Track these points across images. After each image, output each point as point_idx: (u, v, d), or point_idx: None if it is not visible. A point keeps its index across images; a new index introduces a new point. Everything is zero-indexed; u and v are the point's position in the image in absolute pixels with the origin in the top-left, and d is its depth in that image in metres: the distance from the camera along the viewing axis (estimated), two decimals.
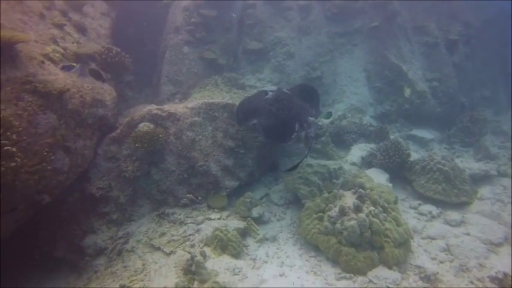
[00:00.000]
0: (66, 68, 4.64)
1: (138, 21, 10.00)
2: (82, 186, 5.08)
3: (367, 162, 6.68)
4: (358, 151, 7.15)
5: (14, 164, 3.36)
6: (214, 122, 5.45)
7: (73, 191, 5.03)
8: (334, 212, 4.46)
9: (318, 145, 7.20)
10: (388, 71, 9.01)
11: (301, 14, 8.96)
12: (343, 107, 8.75)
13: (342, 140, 7.50)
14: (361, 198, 4.47)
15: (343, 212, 4.35)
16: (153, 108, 5.27)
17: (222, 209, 5.29)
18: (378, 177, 5.96)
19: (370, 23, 9.37)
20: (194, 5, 8.30)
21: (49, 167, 4.19)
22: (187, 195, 5.22)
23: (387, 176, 6.07)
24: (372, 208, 4.36)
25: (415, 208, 5.54)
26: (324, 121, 7.89)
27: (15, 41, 3.85)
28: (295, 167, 4.73)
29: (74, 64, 4.70)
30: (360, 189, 4.56)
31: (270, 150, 6.17)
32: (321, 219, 4.58)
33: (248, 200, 5.15)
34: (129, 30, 10.09)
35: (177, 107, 5.28)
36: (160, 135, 4.96)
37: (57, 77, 4.55)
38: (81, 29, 5.98)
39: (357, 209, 4.31)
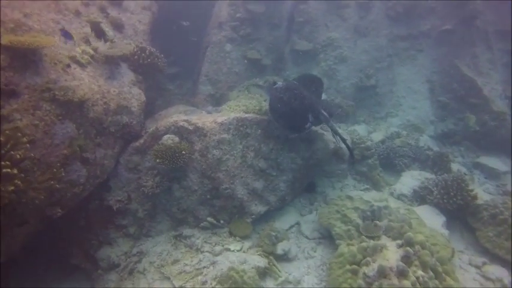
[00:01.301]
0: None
1: (185, 12, 9.66)
2: (102, 195, 4.86)
3: (420, 196, 5.68)
4: (410, 179, 6.14)
5: (12, 187, 3.07)
6: (246, 139, 4.86)
7: (93, 199, 4.82)
8: (371, 269, 3.69)
9: (363, 168, 6.33)
10: (458, 83, 7.69)
11: (359, 12, 7.91)
12: (398, 122, 7.67)
13: (392, 164, 6.52)
14: (407, 258, 3.64)
15: (383, 273, 3.57)
16: (179, 119, 4.83)
17: (244, 237, 4.76)
18: (431, 220, 4.99)
19: (442, 25, 8.03)
20: None
21: (64, 179, 3.97)
22: (208, 219, 4.75)
23: (443, 219, 5.06)
24: (420, 273, 3.52)
25: (477, 267, 4.51)
26: (374, 140, 6.93)
27: (35, 47, 3.56)
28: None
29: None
30: (407, 248, 3.71)
31: (307, 171, 5.46)
32: (355, 273, 3.84)
33: (274, 233, 4.56)
34: (175, 21, 9.85)
35: (206, 120, 4.78)
36: (183, 152, 4.51)
37: (82, 82, 4.25)
38: (118, 26, 5.69)
39: (401, 274, 3.50)
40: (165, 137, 4.67)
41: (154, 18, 7.01)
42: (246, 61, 7.62)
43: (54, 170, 3.62)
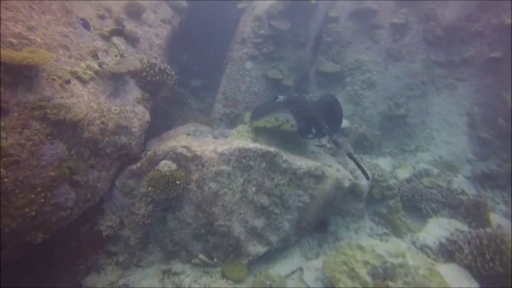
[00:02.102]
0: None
1: (211, 25, 9.51)
2: (95, 218, 4.61)
3: (447, 252, 4.91)
4: (436, 228, 5.38)
5: None
6: (248, 172, 4.42)
7: (86, 221, 4.59)
8: None
9: (383, 209, 5.66)
10: (504, 118, 6.78)
11: (393, 34, 7.26)
12: (429, 158, 6.89)
13: (417, 207, 5.77)
14: None
15: None
16: (178, 144, 4.48)
17: (238, 281, 4.29)
18: (459, 285, 4.24)
19: (489, 52, 7.18)
20: (267, 14, 7.28)
21: (50, 202, 3.74)
22: (200, 256, 4.34)
23: (476, 286, 4.28)
24: None
25: None
26: (399, 177, 6.22)
27: (26, 64, 3.37)
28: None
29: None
30: None
31: (317, 210, 4.90)
32: None
33: (269, 282, 4.04)
34: (200, 33, 9.72)
35: (206, 149, 4.40)
36: (177, 182, 4.15)
37: (80, 100, 4.05)
38: (132, 40, 5.51)
39: None
40: (162, 162, 4.34)
41: (174, 31, 6.82)
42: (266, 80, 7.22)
43: (32, 196, 3.38)
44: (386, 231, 5.51)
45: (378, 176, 5.81)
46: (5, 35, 3.63)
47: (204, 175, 4.28)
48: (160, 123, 7.31)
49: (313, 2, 7.32)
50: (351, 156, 4.69)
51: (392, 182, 5.71)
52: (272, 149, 4.49)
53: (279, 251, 4.83)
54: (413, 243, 5.24)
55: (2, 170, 3.28)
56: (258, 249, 4.50)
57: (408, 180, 6.14)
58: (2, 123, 3.35)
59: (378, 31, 7.26)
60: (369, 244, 4.40)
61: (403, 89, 7.12)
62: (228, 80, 7.29)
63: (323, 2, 7.55)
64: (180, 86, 9.29)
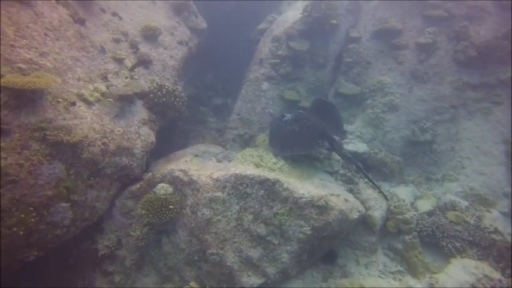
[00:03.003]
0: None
1: (233, 45, 9.66)
2: (94, 236, 4.67)
3: None
4: (460, 271, 4.76)
5: None
6: (244, 200, 4.24)
7: (85, 239, 4.66)
8: None
9: (398, 244, 5.17)
10: None
11: (419, 55, 6.81)
12: (457, 189, 6.22)
13: (438, 244, 5.18)
14: None
15: None
16: (177, 168, 4.45)
17: None
18: None
19: None
20: (286, 35, 7.21)
21: (46, 220, 3.84)
22: (191, 284, 4.19)
23: None
24: None
25: None
26: (419, 209, 5.67)
27: (28, 88, 3.54)
28: None
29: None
30: None
31: (321, 243, 4.56)
32: None
33: None
34: (223, 53, 9.89)
35: (203, 174, 4.31)
36: (171, 206, 4.09)
37: (82, 121, 4.18)
38: (145, 62, 5.66)
39: None
40: (159, 185, 4.32)
41: (190, 53, 6.95)
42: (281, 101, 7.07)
43: (22, 215, 3.47)
44: (401, 269, 4.99)
45: (394, 207, 5.35)
46: (16, 61, 3.86)
47: (198, 201, 4.18)
48: (177, 141, 7.43)
49: (334, 22, 7.13)
50: (361, 170, 5.17)
51: (410, 214, 5.21)
52: (271, 177, 4.29)
53: (278, 282, 4.54)
54: (431, 285, 4.67)
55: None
56: (253, 280, 4.24)
57: (430, 214, 5.55)
58: (3, 144, 3.52)
59: (402, 51, 6.84)
60: (372, 285, 3.98)
61: (430, 113, 6.58)
62: (243, 100, 7.24)
63: (344, 21, 7.33)
64: (202, 104, 9.50)
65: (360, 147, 6.52)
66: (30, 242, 3.76)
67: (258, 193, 4.25)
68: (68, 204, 4.02)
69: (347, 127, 6.80)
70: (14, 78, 3.56)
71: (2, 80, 3.53)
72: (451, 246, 5.08)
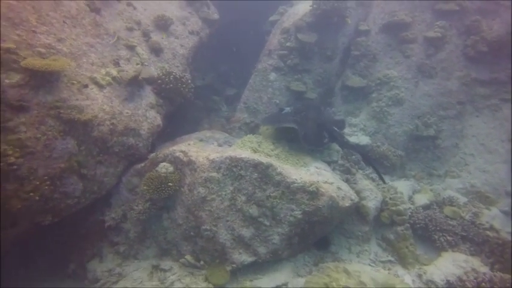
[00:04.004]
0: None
1: (246, 36, 9.86)
2: (103, 209, 5.09)
3: None
4: (449, 264, 4.85)
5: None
6: (238, 181, 4.50)
7: (95, 211, 5.09)
8: None
9: (390, 235, 5.29)
10: None
11: (427, 49, 6.77)
12: (459, 185, 6.23)
13: (430, 238, 5.26)
14: None
15: None
16: (178, 149, 4.76)
17: (218, 286, 4.37)
18: None
19: None
20: (295, 27, 7.33)
21: (59, 190, 4.26)
22: (187, 257, 4.53)
23: None
24: None
25: None
26: (416, 202, 5.74)
27: (45, 70, 3.92)
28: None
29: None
30: None
31: (312, 227, 4.76)
32: None
33: None
34: (237, 45, 10.10)
35: (200, 155, 4.60)
36: (170, 184, 4.41)
37: (94, 102, 4.55)
38: (156, 50, 5.99)
39: None
40: (161, 164, 4.65)
41: (201, 42, 7.23)
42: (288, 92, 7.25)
43: (38, 183, 3.88)
44: (392, 259, 5.13)
45: (390, 199, 5.46)
46: (36, 46, 4.26)
47: (195, 180, 4.48)
48: (187, 128, 7.77)
49: (348, 21, 7.18)
50: (365, 156, 5.69)
51: (403, 206, 5.30)
52: (264, 161, 4.52)
53: (270, 263, 4.80)
54: (419, 276, 4.79)
55: (19, 159, 3.84)
56: (244, 258, 4.53)
57: (426, 207, 5.62)
58: (23, 119, 3.94)
59: (410, 45, 6.82)
60: (356, 269, 4.17)
61: (435, 108, 6.56)
62: (251, 90, 7.47)
63: (354, 14, 7.36)
64: (216, 94, 9.80)
65: (363, 139, 6.62)
66: (45, 208, 4.18)
67: (251, 176, 4.50)
68: (79, 178, 4.43)
69: (351, 120, 6.91)
70: (34, 61, 3.95)
71: (23, 62, 3.93)
72: (443, 240, 5.15)
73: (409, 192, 6.00)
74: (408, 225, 5.23)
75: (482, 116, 6.56)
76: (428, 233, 5.25)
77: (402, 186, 6.12)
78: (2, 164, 3.57)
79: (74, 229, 5.11)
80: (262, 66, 7.46)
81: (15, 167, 3.72)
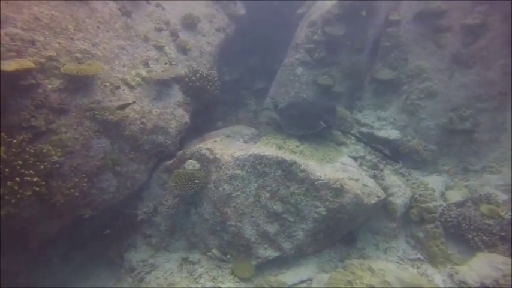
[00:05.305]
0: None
1: (274, 30, 9.79)
2: (136, 203, 5.40)
3: None
4: (484, 265, 4.63)
5: (30, 192, 3.71)
6: (262, 179, 4.58)
7: (129, 205, 5.42)
8: None
9: (420, 233, 5.14)
10: None
11: (464, 38, 6.36)
12: (499, 182, 5.88)
13: (463, 237, 5.04)
14: None
15: None
16: (204, 146, 4.92)
17: (244, 279, 4.52)
18: None
19: None
20: (322, 20, 7.18)
21: (96, 186, 4.60)
22: (213, 251, 4.72)
23: None
24: None
25: None
26: (448, 199, 5.51)
27: (80, 75, 4.21)
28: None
29: None
30: None
31: (336, 224, 4.75)
32: None
33: (267, 287, 4.17)
34: (265, 38, 10.07)
35: (226, 153, 4.73)
36: (196, 180, 4.59)
37: (125, 103, 4.81)
38: (184, 49, 6.17)
39: None
40: (188, 162, 4.85)
41: (227, 39, 7.32)
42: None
43: (77, 180, 4.21)
44: (421, 257, 5.00)
45: (419, 195, 5.28)
46: (73, 52, 4.57)
47: (220, 177, 4.63)
48: (216, 123, 7.94)
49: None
50: (361, 140, 5.65)
51: (434, 203, 5.11)
52: (288, 158, 4.56)
53: (295, 258, 4.86)
54: (451, 276, 4.64)
55: (61, 158, 4.18)
56: (269, 253, 4.63)
57: (459, 204, 5.37)
58: (64, 121, 4.27)
59: (445, 34, 6.44)
60: (381, 268, 4.12)
61: (471, 101, 6.18)
62: (277, 85, 7.49)
63: (384, 4, 7.05)
64: (245, 88, 9.91)
65: (392, 133, 6.42)
66: (85, 202, 4.54)
67: (275, 173, 4.56)
68: (113, 174, 4.74)
69: (380, 113, 6.71)
70: (71, 67, 4.25)
71: (62, 68, 4.25)
72: (477, 240, 4.92)
73: (441, 188, 5.76)
74: (439, 223, 5.04)
75: None
76: (462, 232, 5.03)
77: (434, 181, 5.89)
78: (46, 163, 3.90)
79: (111, 222, 5.47)
80: (289, 60, 7.42)
81: (57, 165, 4.05)
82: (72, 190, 4.18)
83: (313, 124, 5.32)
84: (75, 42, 4.67)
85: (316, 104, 6.25)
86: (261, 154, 4.54)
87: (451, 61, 6.35)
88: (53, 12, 4.58)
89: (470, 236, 4.94)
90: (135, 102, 4.82)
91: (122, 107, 4.59)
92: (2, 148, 3.61)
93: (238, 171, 4.54)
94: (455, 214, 5.12)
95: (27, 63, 3.97)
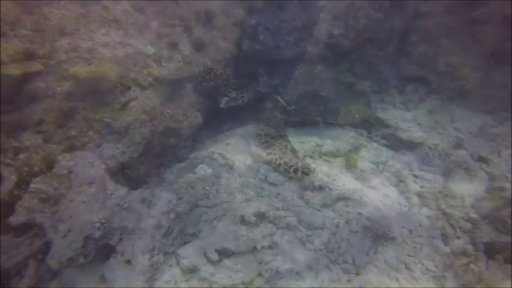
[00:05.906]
0: None
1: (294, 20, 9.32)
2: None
3: None
4: None
5: None
6: (275, 187, 4.35)
7: None
8: None
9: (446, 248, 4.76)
10: None
11: (505, 30, 5.73)
12: None
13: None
14: None
15: None
16: (216, 151, 4.73)
17: None
18: None
19: None
20: (345, 12, 6.74)
21: (105, 193, 4.53)
22: None
23: None
24: None
25: None
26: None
27: (93, 77, 4.10)
28: None
29: None
30: None
31: (357, 237, 4.46)
32: None
33: None
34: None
35: (238, 158, 4.52)
36: (207, 187, 4.42)
37: (136, 104, 4.68)
38: (198, 45, 5.93)
39: None
40: (199, 166, 4.69)
41: (244, 33, 6.99)
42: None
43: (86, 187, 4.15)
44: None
45: (445, 206, 4.87)
46: (83, 52, 4.46)
47: (231, 183, 4.43)
48: (230, 122, 7.72)
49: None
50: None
51: (462, 216, 4.70)
52: (301, 163, 4.29)
53: (306, 269, 4.63)
54: None
55: (70, 161, 4.13)
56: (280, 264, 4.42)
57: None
58: (73, 124, 4.20)
59: (483, 27, 5.84)
60: None
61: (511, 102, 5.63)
62: (295, 82, 7.13)
63: None
64: (263, 86, 9.58)
65: (418, 136, 5.97)
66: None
67: (289, 181, 4.31)
68: (124, 178, 4.65)
69: (405, 114, 6.25)
70: (79, 68, 4.15)
71: (71, 70, 4.15)
72: None
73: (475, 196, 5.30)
74: (469, 238, 4.63)
75: None
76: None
77: (464, 189, 5.43)
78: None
79: None
80: (308, 57, 7.05)
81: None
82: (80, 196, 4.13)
83: None
84: (86, 42, 4.55)
85: None
86: (276, 162, 4.30)
87: (488, 57, 5.77)
88: (63, 12, 4.48)
89: None
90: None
91: (124, 106, 4.47)
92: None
93: (250, 180, 4.34)
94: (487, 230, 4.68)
95: (35, 65, 3.91)
